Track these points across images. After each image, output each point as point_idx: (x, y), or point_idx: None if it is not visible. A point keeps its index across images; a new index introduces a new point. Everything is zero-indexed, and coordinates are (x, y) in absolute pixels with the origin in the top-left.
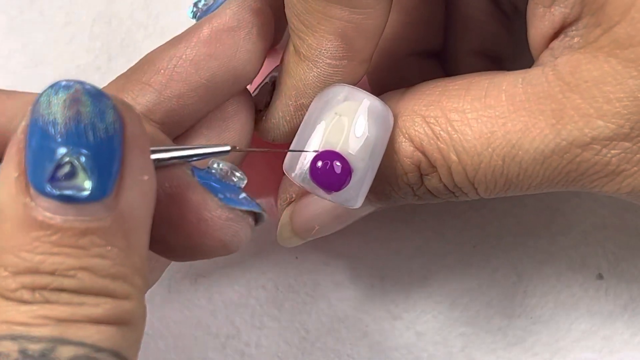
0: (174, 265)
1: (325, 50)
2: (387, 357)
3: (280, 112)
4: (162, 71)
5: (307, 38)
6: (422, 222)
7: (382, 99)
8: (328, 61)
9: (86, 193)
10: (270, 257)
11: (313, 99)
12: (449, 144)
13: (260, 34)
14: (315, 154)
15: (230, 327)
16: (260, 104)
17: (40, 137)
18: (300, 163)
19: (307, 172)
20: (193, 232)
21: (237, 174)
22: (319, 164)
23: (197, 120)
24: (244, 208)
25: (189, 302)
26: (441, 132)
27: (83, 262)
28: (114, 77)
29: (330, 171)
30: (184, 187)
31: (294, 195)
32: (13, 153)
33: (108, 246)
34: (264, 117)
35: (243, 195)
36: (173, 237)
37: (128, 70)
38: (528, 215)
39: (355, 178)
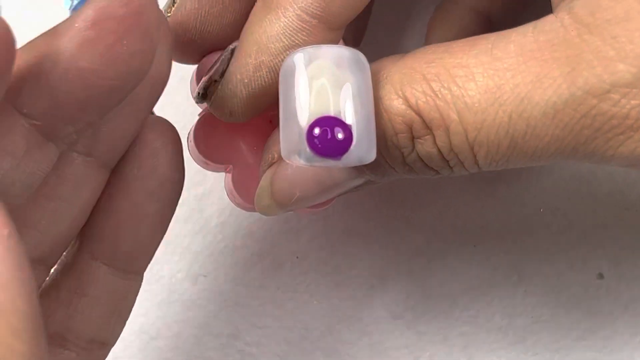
0: (174, 265)
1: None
2: (387, 356)
3: (238, 75)
4: None
5: None
6: (422, 221)
7: (379, 63)
8: (299, 12)
9: None
10: (270, 256)
11: (273, 57)
12: (449, 101)
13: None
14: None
15: (230, 327)
16: (217, 73)
17: None
18: (298, 143)
19: (308, 148)
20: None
21: None
22: (316, 131)
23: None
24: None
25: (189, 302)
26: (441, 89)
27: None
28: None
29: (332, 138)
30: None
31: (275, 156)
32: None
33: None
34: (219, 87)
35: None
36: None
37: None
38: (528, 215)
39: (358, 133)
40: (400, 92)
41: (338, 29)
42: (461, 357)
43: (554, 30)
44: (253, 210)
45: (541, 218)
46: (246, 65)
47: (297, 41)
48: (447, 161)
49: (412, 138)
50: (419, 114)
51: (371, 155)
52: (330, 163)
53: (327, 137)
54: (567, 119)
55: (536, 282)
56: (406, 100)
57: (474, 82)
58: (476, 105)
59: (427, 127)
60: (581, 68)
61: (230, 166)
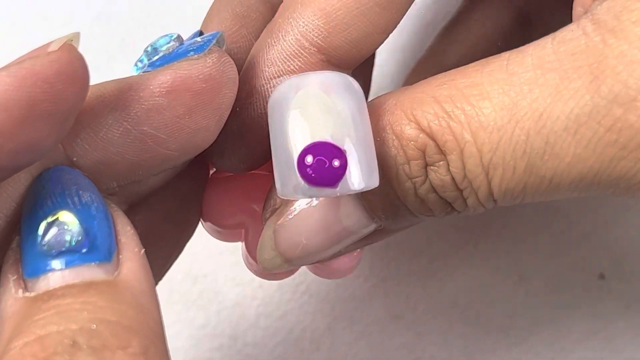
0: (174, 265)
1: (303, 23)
2: (387, 357)
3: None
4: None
5: (297, 5)
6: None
7: (388, 93)
8: (298, 37)
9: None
10: None
11: (266, 82)
12: (462, 121)
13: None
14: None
15: (230, 327)
16: None
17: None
18: (291, 176)
19: (300, 178)
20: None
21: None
22: (308, 159)
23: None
24: (200, 52)
25: (189, 302)
26: (454, 110)
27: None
28: (113, 77)
29: (325, 165)
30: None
31: (278, 201)
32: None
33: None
34: None
35: (193, 41)
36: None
37: None
38: (529, 215)
39: (354, 157)
40: (411, 116)
41: (340, 66)
42: (461, 357)
43: (576, 39)
44: (274, 277)
45: (542, 218)
46: (240, 92)
47: (291, 67)
48: (461, 190)
49: (425, 165)
50: (432, 137)
51: (372, 181)
52: (327, 192)
53: (320, 164)
54: (590, 133)
55: (537, 282)
56: (418, 124)
57: (488, 100)
58: (491, 124)
59: (441, 151)
60: (605, 75)
61: (243, 231)
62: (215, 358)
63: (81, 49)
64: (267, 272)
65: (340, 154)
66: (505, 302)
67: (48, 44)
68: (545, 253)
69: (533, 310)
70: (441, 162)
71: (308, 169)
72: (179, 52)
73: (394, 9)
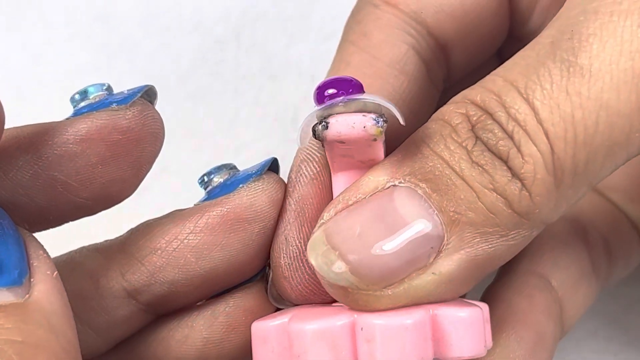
0: None
1: None
2: None
3: (284, 237)
4: (159, 252)
5: None
6: None
7: None
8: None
9: None
10: None
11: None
12: (496, 80)
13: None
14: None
15: None
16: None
17: None
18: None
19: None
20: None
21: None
22: (330, 91)
23: (187, 306)
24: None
25: None
26: (488, 78)
27: None
28: (113, 77)
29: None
30: None
31: (325, 216)
32: None
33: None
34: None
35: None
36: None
37: (125, 234)
38: None
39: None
40: (450, 102)
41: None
42: None
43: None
44: None
45: None
46: (288, 223)
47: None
48: (512, 137)
49: (472, 127)
50: (473, 102)
51: (391, 106)
52: (336, 101)
53: (336, 90)
54: None
55: None
56: (456, 102)
57: (515, 57)
58: (521, 62)
59: (482, 109)
60: None
61: None
62: None
63: (81, 49)
64: None
65: (358, 84)
66: None
67: None
68: None
69: None
70: (484, 116)
71: (326, 98)
72: (105, 102)
73: None
